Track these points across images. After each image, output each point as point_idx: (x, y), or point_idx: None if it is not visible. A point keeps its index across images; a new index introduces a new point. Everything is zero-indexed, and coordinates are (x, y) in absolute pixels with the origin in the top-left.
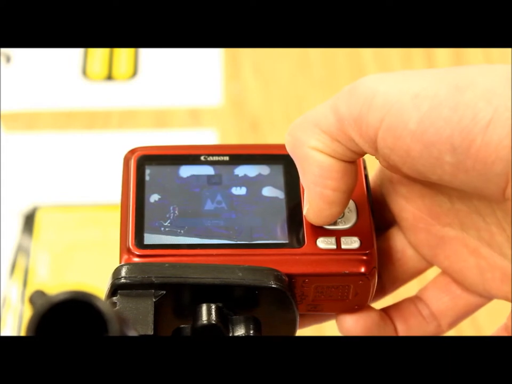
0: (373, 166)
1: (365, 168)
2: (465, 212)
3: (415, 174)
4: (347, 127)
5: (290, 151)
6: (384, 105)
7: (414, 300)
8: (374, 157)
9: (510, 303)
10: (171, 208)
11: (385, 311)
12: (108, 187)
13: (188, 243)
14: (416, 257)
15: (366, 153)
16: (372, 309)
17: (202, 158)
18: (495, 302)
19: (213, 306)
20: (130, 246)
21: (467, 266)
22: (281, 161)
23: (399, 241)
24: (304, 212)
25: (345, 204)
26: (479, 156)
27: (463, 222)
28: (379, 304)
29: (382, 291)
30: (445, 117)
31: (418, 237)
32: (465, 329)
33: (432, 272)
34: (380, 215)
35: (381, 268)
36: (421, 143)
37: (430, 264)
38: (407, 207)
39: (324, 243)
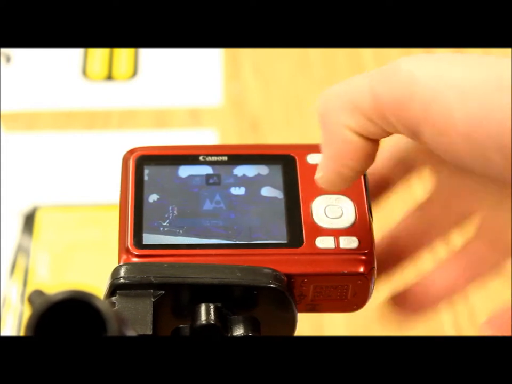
0: None
1: None
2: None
3: (458, 164)
4: (386, 110)
5: (319, 119)
6: (426, 96)
7: None
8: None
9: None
10: (170, 208)
11: None
12: (108, 187)
13: (187, 243)
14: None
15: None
16: None
17: (201, 158)
18: (496, 303)
19: (212, 306)
20: (129, 246)
21: None
22: (280, 161)
23: None
24: (316, 176)
25: (356, 179)
26: None
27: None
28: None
29: None
30: (497, 119)
31: None
32: (466, 329)
33: None
34: None
35: None
36: (468, 142)
37: None
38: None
39: (323, 243)
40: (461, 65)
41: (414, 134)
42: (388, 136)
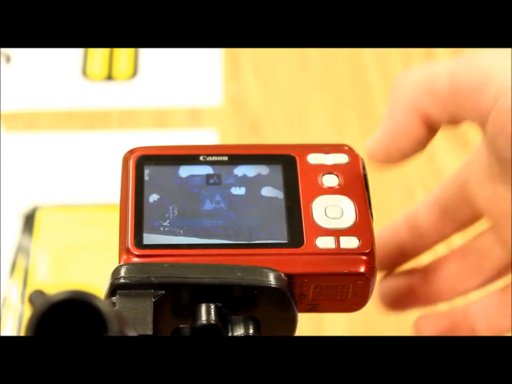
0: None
1: (364, 168)
2: None
3: None
4: (461, 94)
5: (391, 94)
6: (501, 87)
7: None
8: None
9: None
10: (170, 208)
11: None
12: (108, 187)
13: (187, 243)
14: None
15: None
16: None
17: (201, 158)
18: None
19: (212, 306)
20: (130, 246)
21: None
22: (280, 161)
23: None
24: (366, 146)
25: (398, 162)
26: None
27: None
28: None
29: None
30: None
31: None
32: None
33: None
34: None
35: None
36: None
37: None
38: (504, 196)
39: (323, 243)
40: None
41: (481, 120)
42: (452, 125)
